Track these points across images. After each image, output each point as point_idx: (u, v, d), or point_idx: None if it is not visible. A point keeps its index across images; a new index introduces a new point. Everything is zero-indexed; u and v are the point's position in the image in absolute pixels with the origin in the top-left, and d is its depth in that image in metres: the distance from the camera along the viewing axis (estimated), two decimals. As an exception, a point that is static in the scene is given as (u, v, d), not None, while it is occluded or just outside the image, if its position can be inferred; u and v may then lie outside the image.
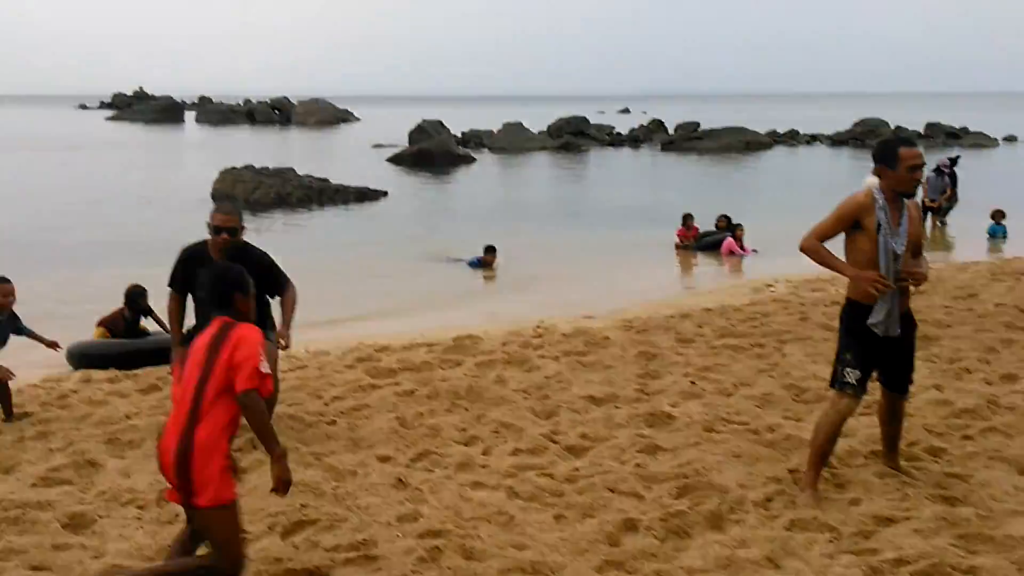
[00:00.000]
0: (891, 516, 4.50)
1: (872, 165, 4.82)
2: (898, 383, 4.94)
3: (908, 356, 4.91)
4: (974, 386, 6.93)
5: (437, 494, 5.04)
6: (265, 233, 18.91)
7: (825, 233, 4.79)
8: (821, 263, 4.81)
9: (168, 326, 6.15)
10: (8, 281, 6.66)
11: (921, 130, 50.85)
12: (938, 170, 18.92)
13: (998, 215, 17.50)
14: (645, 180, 32.35)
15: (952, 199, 18.95)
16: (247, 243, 5.82)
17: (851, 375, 4.75)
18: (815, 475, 4.89)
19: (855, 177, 34.51)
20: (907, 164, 4.61)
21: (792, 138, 51.54)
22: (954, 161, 19.78)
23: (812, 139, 51.32)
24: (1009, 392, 6.74)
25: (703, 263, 15.28)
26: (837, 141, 49.95)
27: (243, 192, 23.42)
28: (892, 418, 5.07)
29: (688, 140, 45.51)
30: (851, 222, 4.72)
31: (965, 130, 50.38)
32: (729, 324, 9.68)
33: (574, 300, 11.81)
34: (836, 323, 9.20)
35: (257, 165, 25.26)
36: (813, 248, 4.78)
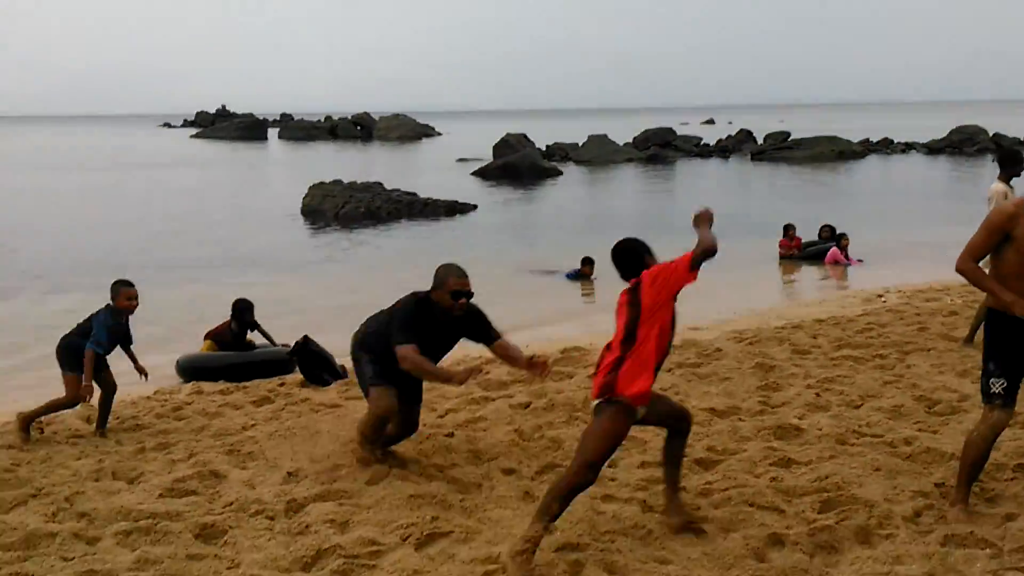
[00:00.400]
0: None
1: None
2: None
3: None
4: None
5: (568, 507, 4.91)
6: (361, 247, 19.18)
7: (978, 250, 4.49)
8: (976, 285, 4.53)
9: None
10: (132, 285, 6.79)
11: (1022, 136, 49.00)
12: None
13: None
14: (738, 190, 31.83)
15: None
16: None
17: (996, 385, 4.51)
18: (966, 490, 4.63)
19: (955, 185, 33.60)
20: None
21: (886, 146, 50.22)
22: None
23: (907, 147, 49.93)
24: None
25: (807, 273, 14.87)
26: (933, 149, 48.49)
27: (332, 207, 23.78)
28: None
29: (778, 150, 44.70)
30: (1002, 235, 4.42)
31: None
32: (845, 335, 9.36)
33: (678, 311, 11.58)
34: (956, 333, 9.00)
35: (344, 180, 25.66)
36: (970, 269, 4.50)
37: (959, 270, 4.55)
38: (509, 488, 5.28)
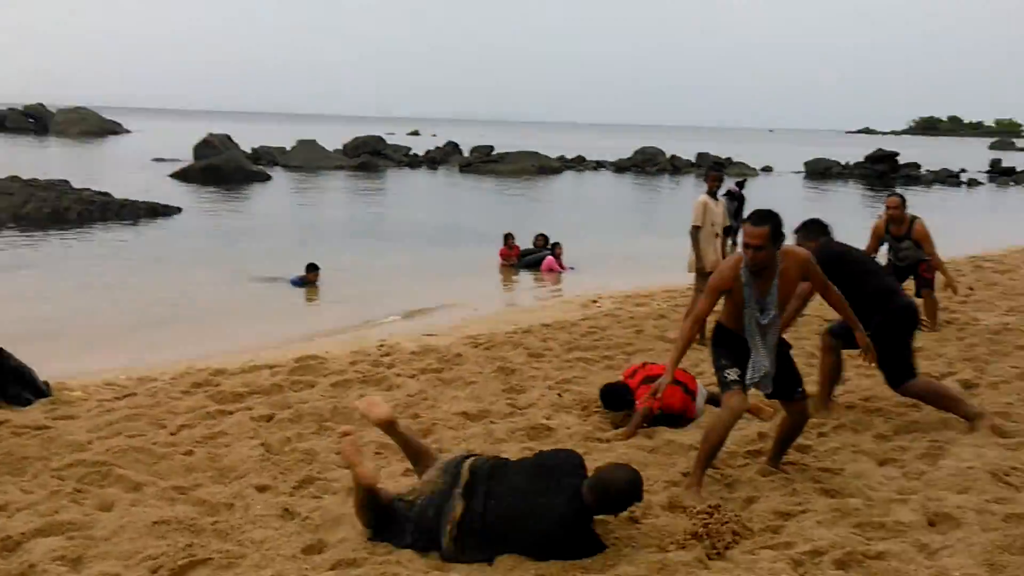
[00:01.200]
0: (789, 511, 4.59)
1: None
2: (784, 391, 5.11)
3: (788, 364, 5.10)
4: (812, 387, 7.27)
5: (336, 522, 4.65)
6: (50, 251, 17.26)
7: (703, 312, 5.13)
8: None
9: None
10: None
11: (693, 159, 54.39)
12: (729, 194, 20.21)
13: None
14: (451, 200, 32.45)
15: (740, 220, 20.34)
16: None
17: (731, 373, 4.99)
18: (702, 474, 4.98)
19: (641, 198, 36.75)
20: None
21: (580, 163, 53.56)
22: (742, 184, 21.23)
23: (598, 165, 53.58)
24: (843, 392, 7.02)
25: (526, 280, 15.43)
26: (621, 167, 52.44)
27: (10, 206, 21.25)
28: (791, 428, 5.22)
29: (484, 163, 46.22)
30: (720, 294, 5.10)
31: (730, 160, 54.25)
32: (572, 338, 9.77)
33: (409, 318, 11.57)
34: (669, 335, 9.74)
35: (22, 177, 23.07)
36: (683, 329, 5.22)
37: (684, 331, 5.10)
38: (266, 506, 4.90)
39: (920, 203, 18.53)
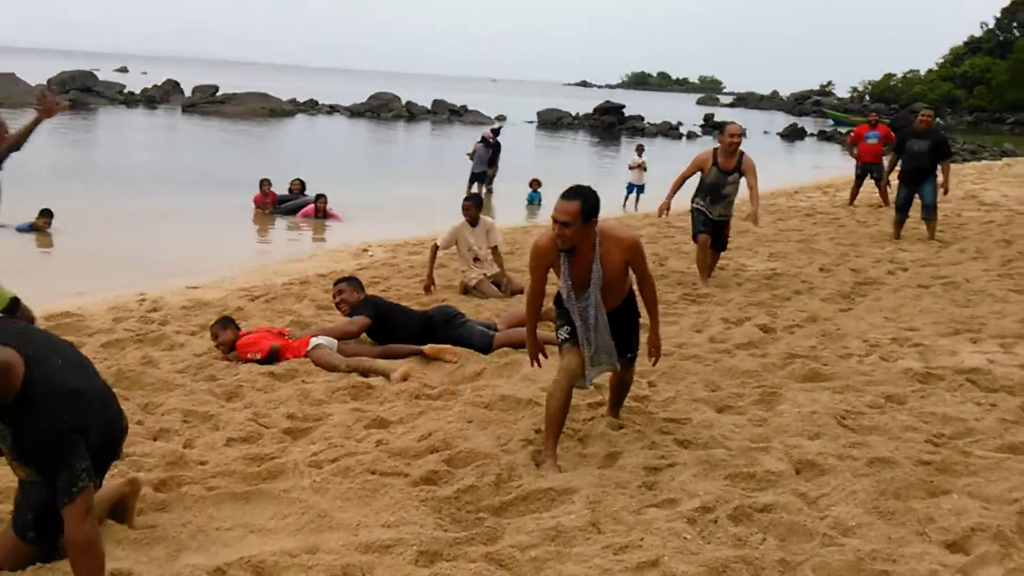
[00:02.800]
0: (656, 465, 4.47)
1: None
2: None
3: (621, 334, 4.85)
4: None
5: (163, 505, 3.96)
6: None
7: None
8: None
9: None
10: None
11: (429, 106, 54.25)
12: (484, 141, 20.21)
13: (535, 183, 19.07)
14: (180, 142, 29.99)
15: (495, 167, 20.42)
16: None
17: (563, 332, 4.81)
18: (555, 444, 4.62)
19: (380, 144, 36.09)
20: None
21: (312, 107, 51.69)
22: (497, 132, 21.31)
23: (332, 109, 51.98)
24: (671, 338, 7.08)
25: (282, 230, 14.47)
26: (355, 112, 51.22)
27: None
28: (619, 386, 5.11)
29: (210, 103, 43.26)
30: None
31: (465, 108, 54.71)
32: (357, 289, 9.25)
33: (162, 270, 10.40)
34: (452, 285, 9.48)
35: None
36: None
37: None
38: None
39: (648, 154, 19.47)
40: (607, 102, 54.59)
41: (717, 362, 6.32)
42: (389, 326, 7.01)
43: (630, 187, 19.03)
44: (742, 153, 8.85)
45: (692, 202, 9.24)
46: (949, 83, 75.73)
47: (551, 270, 4.76)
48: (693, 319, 7.68)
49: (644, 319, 4.96)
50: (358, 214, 15.48)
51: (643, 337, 4.96)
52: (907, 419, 5.06)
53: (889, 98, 79.78)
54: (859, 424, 4.94)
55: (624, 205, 18.77)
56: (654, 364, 5.07)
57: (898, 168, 12.48)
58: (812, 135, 51.78)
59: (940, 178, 12.25)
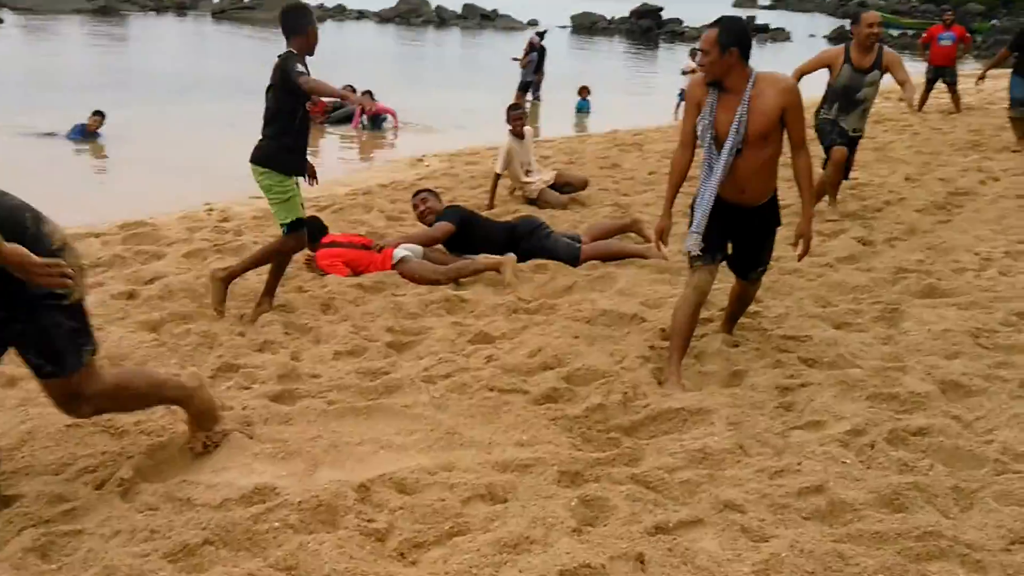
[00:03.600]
0: (788, 385, 4.24)
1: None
2: (741, 268, 4.68)
3: (754, 246, 4.60)
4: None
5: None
6: None
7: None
8: None
9: None
10: None
11: (459, 11, 52.87)
12: (531, 46, 19.58)
13: (584, 91, 18.54)
14: (216, 50, 29.46)
15: (541, 73, 19.82)
16: None
17: (695, 244, 4.40)
18: (679, 363, 4.38)
19: (417, 51, 35.38)
20: None
21: (340, 13, 50.59)
22: (542, 35, 20.65)
23: (360, 15, 50.85)
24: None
25: (333, 140, 14.13)
26: (384, 18, 50.09)
27: None
28: (739, 300, 4.85)
29: (238, 9, 42.39)
30: None
31: (496, 12, 53.27)
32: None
33: (222, 178, 10.17)
34: (517, 195, 9.19)
35: None
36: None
37: None
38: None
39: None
40: (644, 4, 52.85)
41: (821, 277, 6.06)
42: (472, 236, 6.79)
43: (681, 94, 18.44)
44: (881, 47, 7.31)
45: (816, 116, 7.51)
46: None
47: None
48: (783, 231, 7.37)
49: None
50: (408, 122, 15.10)
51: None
52: (1046, 336, 4.77)
53: (939, -1, 76.74)
54: (995, 343, 4.69)
55: (676, 114, 18.24)
56: (800, 259, 4.65)
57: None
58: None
59: None
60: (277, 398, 4.09)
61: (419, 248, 6.48)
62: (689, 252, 4.47)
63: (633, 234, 7.24)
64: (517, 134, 8.85)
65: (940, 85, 15.34)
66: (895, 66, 7.33)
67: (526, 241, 6.73)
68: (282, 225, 5.32)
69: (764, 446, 3.64)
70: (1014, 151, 10.92)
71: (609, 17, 52.27)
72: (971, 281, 5.85)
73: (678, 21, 50.09)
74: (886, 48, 7.39)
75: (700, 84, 4.35)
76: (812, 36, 50.99)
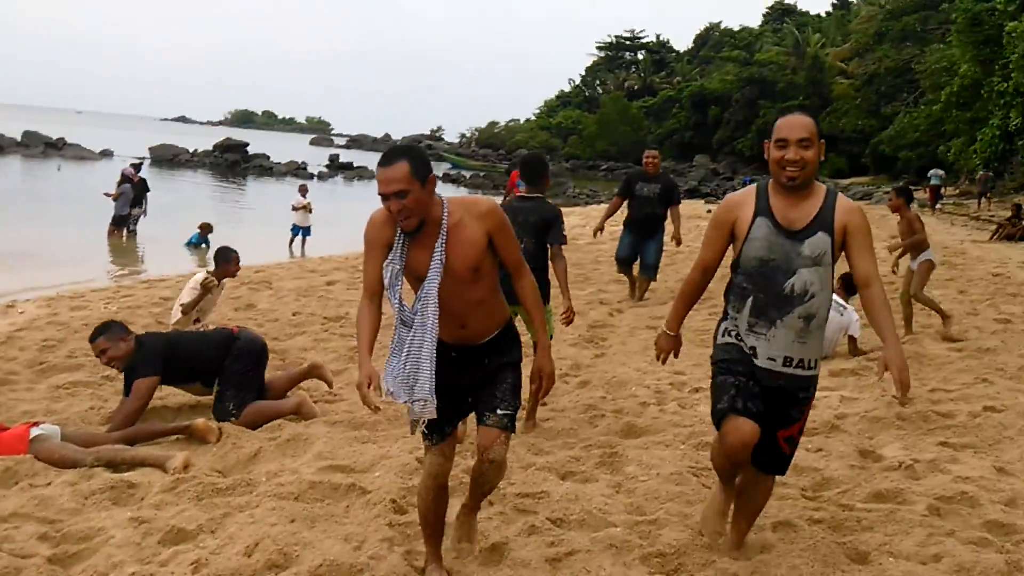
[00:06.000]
0: (555, 556, 3.95)
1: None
2: (479, 409, 3.66)
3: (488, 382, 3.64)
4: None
5: None
6: None
7: None
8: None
9: None
10: None
11: (19, 138, 48.01)
12: (128, 179, 18.03)
13: (205, 228, 17.19)
14: None
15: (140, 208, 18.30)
16: None
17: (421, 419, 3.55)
18: (437, 546, 3.76)
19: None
20: None
21: None
22: (138, 167, 19.15)
23: None
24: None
25: None
26: None
27: None
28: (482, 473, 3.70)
29: None
30: None
31: (63, 141, 49.21)
32: (33, 356, 7.58)
33: None
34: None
35: None
36: None
37: None
38: None
39: (280, 192, 18.61)
40: (228, 139, 52.29)
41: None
42: (188, 363, 5.86)
43: (295, 229, 18.04)
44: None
45: None
46: (547, 132, 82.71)
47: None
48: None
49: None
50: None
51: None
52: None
53: (495, 144, 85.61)
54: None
55: (291, 249, 17.76)
56: (540, 396, 3.87)
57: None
58: (437, 177, 53.89)
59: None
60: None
61: (55, 428, 5.25)
62: (415, 424, 3.58)
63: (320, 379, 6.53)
64: (219, 280, 7.89)
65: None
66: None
67: (239, 362, 5.83)
68: None
69: None
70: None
71: (191, 149, 50.72)
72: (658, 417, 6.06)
73: (265, 156, 50.07)
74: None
75: (385, 223, 3.47)
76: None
